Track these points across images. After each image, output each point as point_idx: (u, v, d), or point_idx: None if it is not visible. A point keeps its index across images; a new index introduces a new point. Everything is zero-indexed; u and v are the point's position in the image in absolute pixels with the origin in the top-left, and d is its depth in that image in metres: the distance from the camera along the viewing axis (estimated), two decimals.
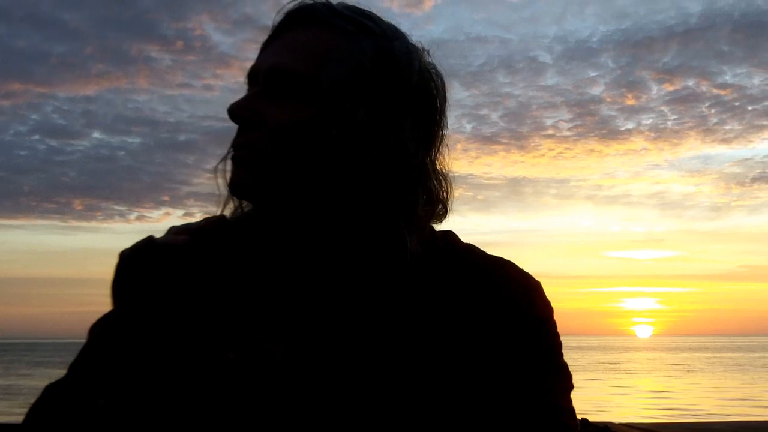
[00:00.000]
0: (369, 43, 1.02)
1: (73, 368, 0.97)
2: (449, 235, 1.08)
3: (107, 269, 0.96)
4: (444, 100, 1.07)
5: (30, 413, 0.95)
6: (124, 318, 0.94)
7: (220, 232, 0.98)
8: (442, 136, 1.06)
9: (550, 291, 1.06)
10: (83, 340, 0.99)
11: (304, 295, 1.00)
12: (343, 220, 1.00)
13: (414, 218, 1.01)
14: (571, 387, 1.02)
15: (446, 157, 1.07)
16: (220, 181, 1.05)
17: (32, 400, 0.97)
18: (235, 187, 1.01)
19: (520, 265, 1.06)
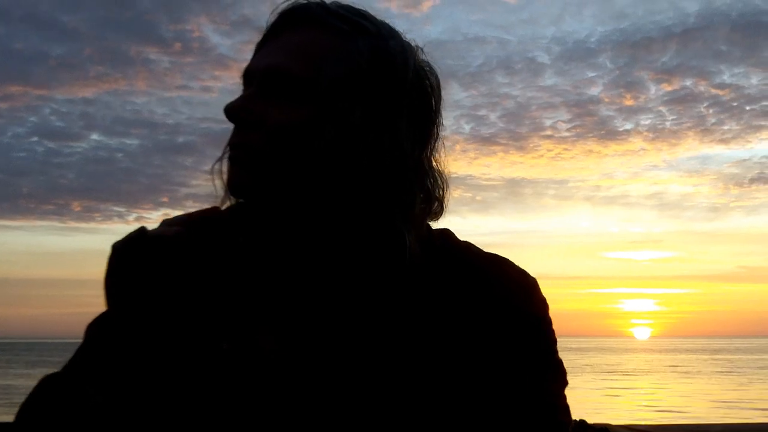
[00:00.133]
0: (364, 43, 1.02)
1: (70, 364, 0.97)
2: (446, 233, 1.08)
3: None
4: (439, 97, 1.07)
5: (24, 405, 0.95)
6: (117, 311, 0.94)
7: (213, 224, 0.97)
8: (438, 133, 1.07)
9: (548, 292, 1.06)
10: (81, 340, 0.99)
11: (301, 291, 1.00)
12: (341, 218, 1.00)
13: (411, 216, 1.01)
14: (565, 384, 1.02)
15: (442, 154, 1.08)
16: (217, 182, 1.05)
17: None
18: (234, 187, 1.01)
19: (519, 265, 1.06)
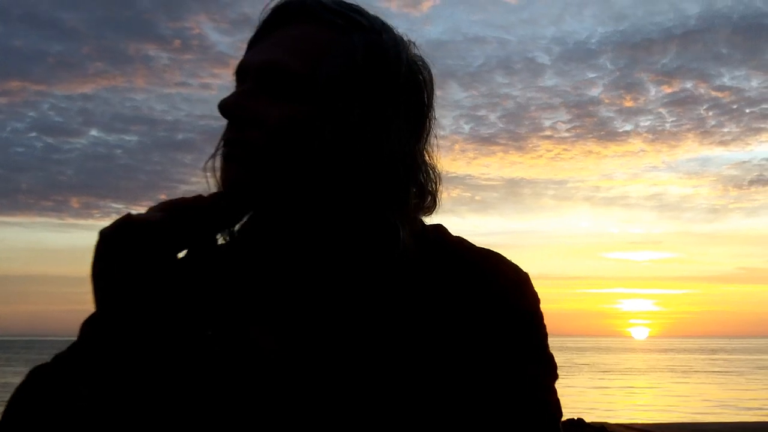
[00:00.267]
0: (359, 38, 1.02)
1: (59, 356, 0.97)
2: (439, 228, 1.08)
3: None
4: (432, 91, 1.07)
5: (13, 398, 0.95)
6: (105, 299, 0.94)
7: (196, 212, 0.97)
8: (430, 128, 1.07)
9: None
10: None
11: (295, 284, 1.01)
12: (337, 214, 1.00)
13: (405, 211, 1.02)
14: (556, 378, 1.02)
15: (434, 148, 1.08)
16: (211, 179, 1.04)
17: None
18: (231, 185, 1.01)
19: (519, 265, 1.06)
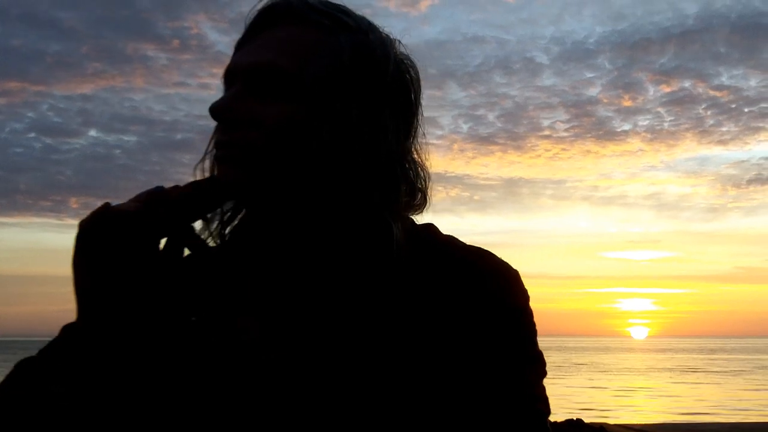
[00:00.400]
0: (346, 38, 1.03)
1: (43, 350, 0.97)
2: (430, 227, 1.09)
3: None
4: (419, 89, 1.08)
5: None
6: (85, 289, 0.93)
7: (174, 201, 0.96)
8: (418, 125, 1.08)
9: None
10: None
11: (285, 278, 1.02)
12: (331, 212, 1.01)
13: (397, 208, 1.03)
14: (544, 374, 1.03)
15: (422, 146, 1.09)
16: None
17: None
18: (227, 187, 1.01)
19: (518, 265, 1.06)
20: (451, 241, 1.07)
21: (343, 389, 0.95)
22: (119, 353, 0.93)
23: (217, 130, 1.03)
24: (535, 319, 1.04)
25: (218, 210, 1.07)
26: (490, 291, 1.00)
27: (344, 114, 1.00)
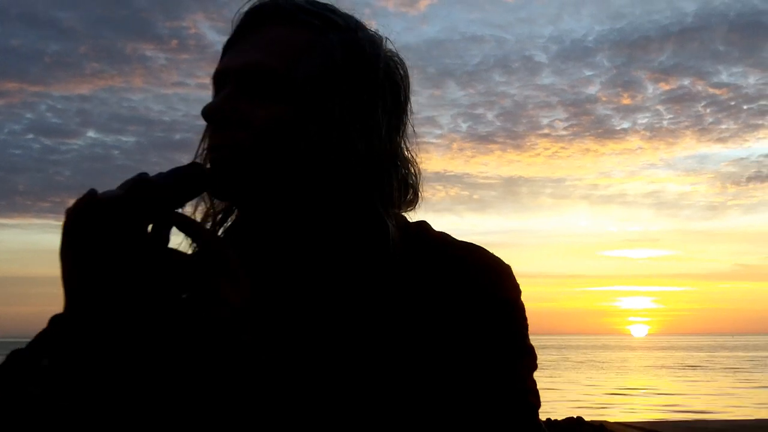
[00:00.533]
0: (336, 37, 1.03)
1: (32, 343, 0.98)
2: (423, 225, 1.10)
3: None
4: (408, 86, 1.09)
5: None
6: (71, 275, 0.93)
7: (159, 187, 0.96)
8: (407, 121, 1.09)
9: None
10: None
11: (281, 274, 1.02)
12: (325, 211, 1.02)
13: (390, 205, 1.04)
14: (535, 368, 1.04)
15: (412, 142, 1.10)
16: None
17: None
18: (223, 189, 1.01)
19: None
20: (444, 237, 1.08)
21: (342, 386, 0.95)
22: (108, 343, 0.93)
23: (210, 132, 1.03)
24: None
25: (211, 212, 1.08)
26: (482, 285, 1.01)
27: (335, 113, 1.00)
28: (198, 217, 1.06)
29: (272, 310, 1.00)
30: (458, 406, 0.96)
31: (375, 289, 1.00)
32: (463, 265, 1.03)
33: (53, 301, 0.96)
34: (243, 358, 0.91)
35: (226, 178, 1.00)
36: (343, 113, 1.01)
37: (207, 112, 1.01)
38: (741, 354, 67.23)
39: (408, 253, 1.03)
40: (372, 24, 1.10)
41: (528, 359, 1.03)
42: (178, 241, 1.00)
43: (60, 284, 0.94)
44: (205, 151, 1.04)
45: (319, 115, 1.00)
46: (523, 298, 1.06)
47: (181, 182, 0.95)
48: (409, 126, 1.10)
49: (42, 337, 0.96)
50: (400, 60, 1.09)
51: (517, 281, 1.06)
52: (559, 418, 12.28)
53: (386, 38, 1.08)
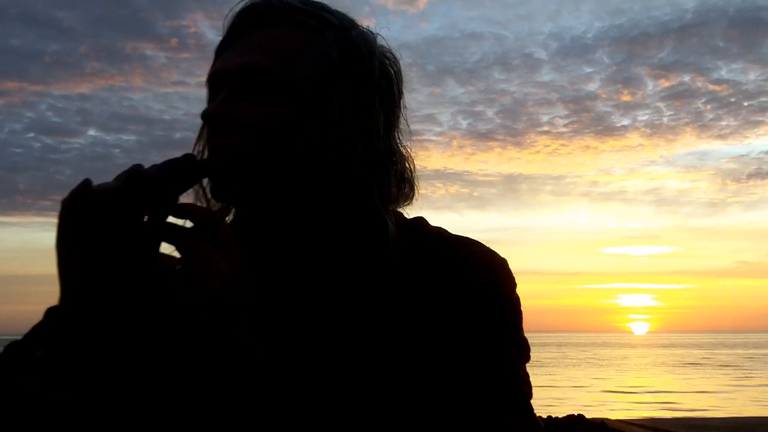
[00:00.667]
0: (332, 36, 1.03)
1: (28, 335, 0.99)
2: (419, 220, 1.11)
3: None
4: (401, 80, 1.10)
5: None
6: (67, 266, 0.93)
7: (154, 179, 0.95)
8: (401, 116, 1.10)
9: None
10: None
11: (282, 274, 1.03)
12: (325, 210, 1.02)
13: (389, 201, 1.05)
14: (527, 359, 1.05)
15: (405, 135, 1.11)
16: (198, 190, 1.04)
17: None
18: (218, 191, 1.01)
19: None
20: (441, 232, 1.09)
21: (342, 379, 0.95)
22: (102, 334, 0.93)
23: (208, 134, 1.03)
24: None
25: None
26: (477, 278, 1.02)
27: (334, 112, 1.01)
28: None
29: (273, 307, 1.00)
30: (453, 395, 0.97)
31: (375, 286, 1.01)
32: (459, 259, 1.03)
33: (54, 299, 0.96)
34: (235, 330, 0.91)
35: (227, 181, 1.00)
36: (342, 112, 1.01)
37: (206, 116, 1.00)
38: (741, 351, 67.23)
39: (406, 249, 1.04)
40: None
41: (521, 350, 1.03)
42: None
43: (57, 284, 0.94)
44: (200, 154, 1.04)
45: (318, 114, 1.00)
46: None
47: (174, 174, 0.95)
48: (403, 120, 1.10)
49: (37, 329, 0.97)
50: (393, 56, 1.09)
51: (513, 274, 1.07)
52: (560, 416, 12.29)
53: (378, 34, 1.09)
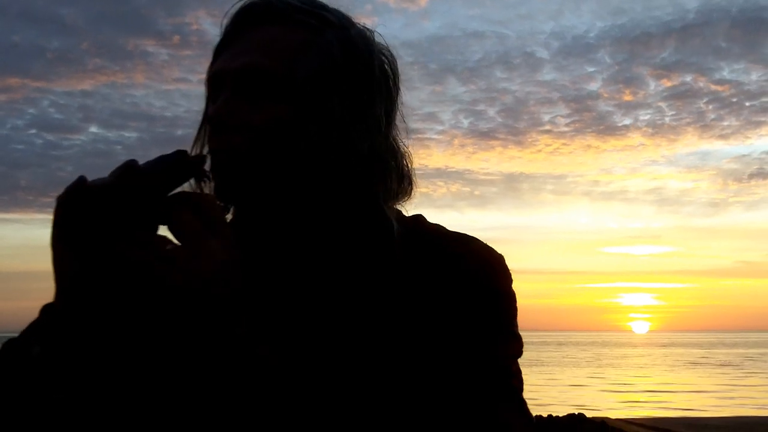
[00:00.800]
0: (332, 35, 1.03)
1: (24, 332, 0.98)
2: (418, 217, 1.11)
3: None
4: (398, 76, 1.10)
5: None
6: (62, 262, 0.93)
7: (147, 174, 0.94)
8: (397, 111, 1.10)
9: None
10: None
11: (279, 273, 1.03)
12: (328, 210, 1.03)
13: (390, 198, 1.06)
14: (519, 354, 1.05)
15: (401, 130, 1.11)
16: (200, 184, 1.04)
17: None
18: (221, 193, 1.01)
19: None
20: (439, 229, 1.09)
21: (340, 376, 0.95)
22: (98, 331, 0.93)
23: (210, 135, 1.03)
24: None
25: None
26: (474, 274, 1.03)
27: (335, 111, 1.01)
28: None
29: (272, 302, 1.00)
30: (447, 388, 0.97)
31: (377, 283, 1.01)
32: (456, 255, 1.04)
33: (53, 296, 0.96)
34: (227, 314, 0.90)
35: (229, 181, 1.00)
36: (343, 112, 1.01)
37: (212, 118, 1.00)
38: (742, 351, 67.23)
39: (405, 246, 1.04)
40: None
41: (514, 345, 1.04)
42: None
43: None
44: (199, 153, 1.05)
45: (320, 114, 1.00)
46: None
47: (167, 169, 0.95)
48: (399, 116, 1.11)
49: (34, 326, 0.97)
50: (390, 53, 1.10)
51: (509, 270, 1.08)
52: (560, 415, 12.29)
53: (375, 32, 1.09)
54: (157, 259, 0.90)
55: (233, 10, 1.05)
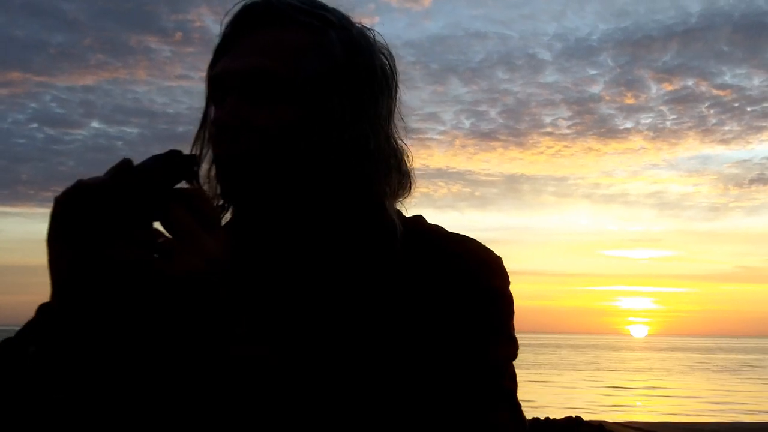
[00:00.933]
0: (334, 36, 1.04)
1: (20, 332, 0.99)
2: (418, 218, 1.12)
3: None
4: (397, 76, 1.11)
5: None
6: (58, 262, 0.93)
7: (145, 173, 0.95)
8: (395, 109, 1.11)
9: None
10: None
11: (280, 272, 1.03)
12: (334, 210, 1.03)
13: (392, 196, 1.06)
14: (514, 356, 1.05)
15: (401, 129, 1.12)
16: (206, 186, 1.04)
17: None
18: (228, 195, 1.02)
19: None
20: (438, 230, 1.10)
21: (336, 373, 0.95)
22: (95, 332, 0.93)
23: (216, 139, 1.03)
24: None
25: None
26: (472, 275, 1.03)
27: (339, 112, 1.01)
28: None
29: (273, 305, 1.00)
30: (440, 388, 0.97)
31: (378, 284, 1.01)
32: (455, 255, 1.04)
33: None
34: (219, 310, 0.91)
35: (235, 183, 1.00)
36: (347, 112, 1.02)
37: (218, 121, 1.00)
38: (741, 356, 67.22)
39: (405, 246, 1.04)
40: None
41: (509, 346, 1.04)
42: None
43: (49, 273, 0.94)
44: (200, 155, 1.05)
45: (324, 115, 1.01)
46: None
47: (161, 168, 0.96)
48: (398, 114, 1.11)
49: (30, 325, 0.97)
50: (390, 53, 1.11)
51: (507, 272, 1.08)
52: (558, 417, 12.29)
53: (375, 31, 1.10)
54: (155, 253, 0.91)
55: (234, 11, 1.05)
